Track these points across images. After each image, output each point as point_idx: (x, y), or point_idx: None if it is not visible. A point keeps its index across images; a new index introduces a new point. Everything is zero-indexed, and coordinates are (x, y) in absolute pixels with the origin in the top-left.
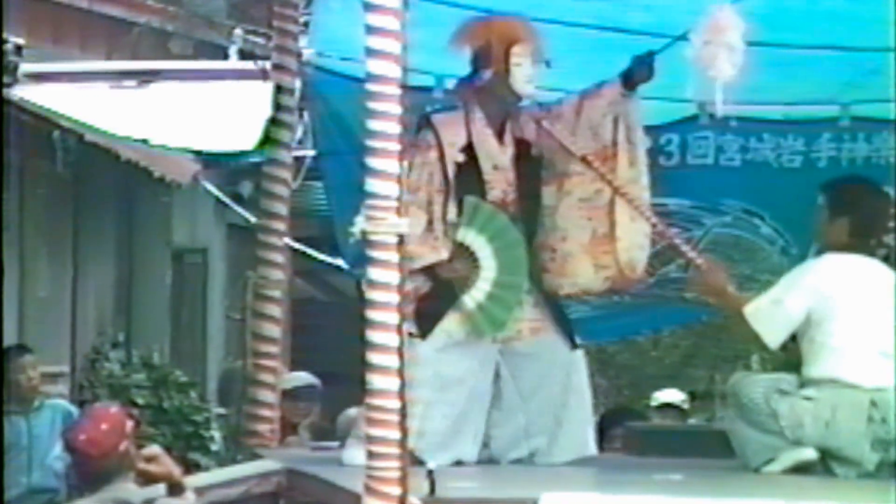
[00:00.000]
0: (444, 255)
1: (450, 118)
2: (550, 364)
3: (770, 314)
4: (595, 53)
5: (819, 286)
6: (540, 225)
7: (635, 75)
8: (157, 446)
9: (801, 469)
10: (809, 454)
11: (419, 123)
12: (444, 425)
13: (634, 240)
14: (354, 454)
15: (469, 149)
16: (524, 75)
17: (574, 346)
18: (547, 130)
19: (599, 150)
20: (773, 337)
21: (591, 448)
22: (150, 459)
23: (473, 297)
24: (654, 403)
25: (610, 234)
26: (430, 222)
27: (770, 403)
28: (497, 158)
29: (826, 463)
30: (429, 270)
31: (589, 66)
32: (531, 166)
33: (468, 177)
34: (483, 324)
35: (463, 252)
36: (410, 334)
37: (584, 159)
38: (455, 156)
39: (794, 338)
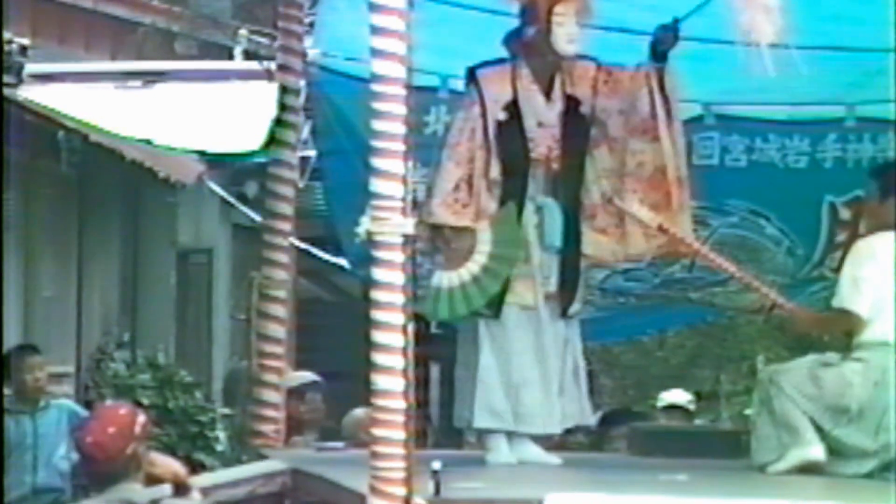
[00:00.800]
0: (465, 221)
1: (496, 73)
2: (552, 329)
3: (855, 291)
4: (601, 54)
5: (878, 257)
6: (590, 188)
7: (660, 42)
8: (154, 452)
9: (806, 470)
10: (816, 454)
11: (465, 78)
12: (542, 396)
13: (687, 212)
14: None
15: (513, 105)
16: (566, 34)
17: (566, 314)
18: (665, 229)
19: (639, 123)
20: (863, 305)
21: (589, 417)
22: (149, 464)
23: (469, 269)
24: (660, 404)
25: (660, 203)
26: (469, 178)
27: (816, 381)
28: (543, 115)
29: (851, 444)
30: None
31: None
32: (579, 124)
33: (511, 134)
34: (475, 296)
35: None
36: (482, 314)
37: (660, 227)
38: (497, 113)
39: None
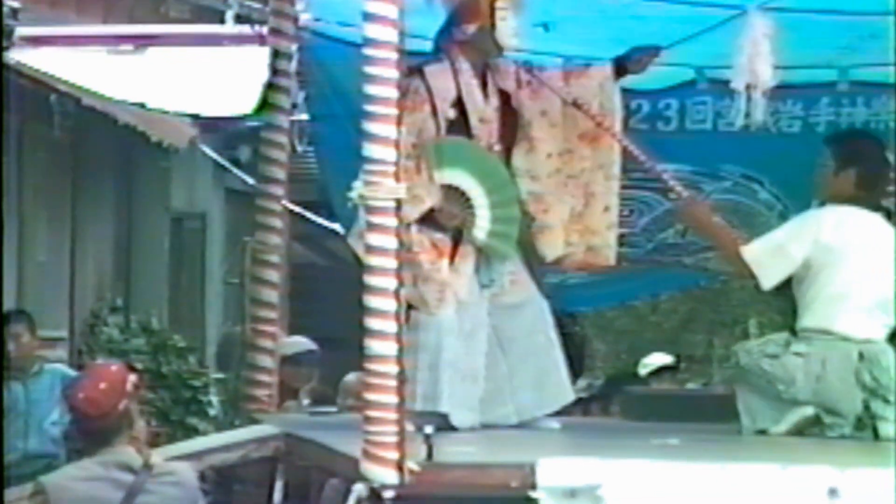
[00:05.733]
0: (426, 204)
1: (439, 70)
2: (534, 314)
3: (771, 257)
4: (595, 18)
5: (821, 235)
6: (525, 188)
7: (630, 66)
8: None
9: (804, 427)
10: (810, 411)
11: (409, 73)
12: (476, 388)
13: (600, 228)
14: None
15: (458, 102)
16: (509, 28)
17: (545, 295)
18: (537, 78)
19: (587, 130)
20: (770, 279)
21: (571, 394)
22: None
23: (476, 236)
24: (646, 370)
25: (582, 214)
26: (417, 169)
27: (764, 375)
28: (482, 111)
29: (820, 419)
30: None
31: (588, 32)
32: (512, 118)
33: (457, 131)
34: (495, 253)
35: (454, 195)
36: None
37: (574, 103)
38: (447, 111)
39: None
